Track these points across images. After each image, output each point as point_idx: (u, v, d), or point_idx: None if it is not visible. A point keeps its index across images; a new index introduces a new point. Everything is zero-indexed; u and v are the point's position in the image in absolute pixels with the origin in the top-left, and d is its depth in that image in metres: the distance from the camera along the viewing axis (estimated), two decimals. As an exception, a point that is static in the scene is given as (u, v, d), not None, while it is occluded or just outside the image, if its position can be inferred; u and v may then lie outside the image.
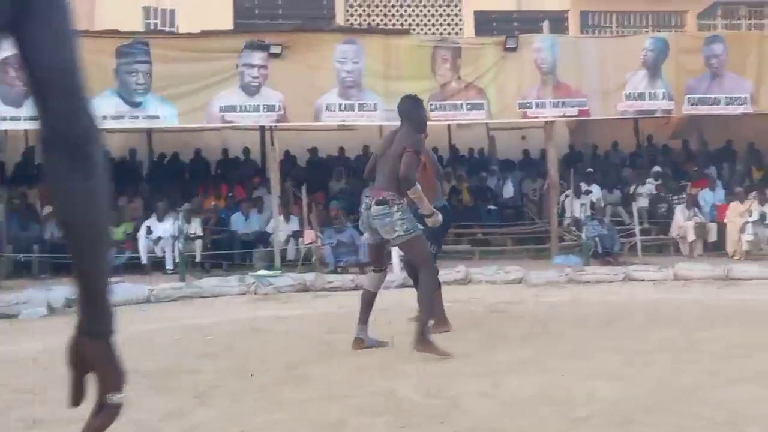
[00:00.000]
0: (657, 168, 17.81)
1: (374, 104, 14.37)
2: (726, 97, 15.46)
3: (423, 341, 6.09)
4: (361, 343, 6.58)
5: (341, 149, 18.58)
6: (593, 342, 6.75)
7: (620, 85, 15.23)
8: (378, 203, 6.32)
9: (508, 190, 17.74)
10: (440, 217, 6.62)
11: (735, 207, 15.13)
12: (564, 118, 16.19)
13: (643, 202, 16.60)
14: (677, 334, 7.02)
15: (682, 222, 15.32)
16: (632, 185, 17.12)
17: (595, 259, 13.94)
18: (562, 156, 18.66)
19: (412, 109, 6.67)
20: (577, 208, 15.46)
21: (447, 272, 11.91)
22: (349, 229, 13.66)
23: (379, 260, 6.71)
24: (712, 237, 15.30)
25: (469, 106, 14.87)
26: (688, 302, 9.28)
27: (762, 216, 14.72)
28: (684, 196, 16.08)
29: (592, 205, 15.94)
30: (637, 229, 14.54)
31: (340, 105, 14.36)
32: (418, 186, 6.44)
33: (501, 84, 14.92)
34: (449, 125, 18.32)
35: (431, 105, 14.46)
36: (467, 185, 17.38)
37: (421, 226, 6.47)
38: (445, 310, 7.41)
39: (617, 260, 14.00)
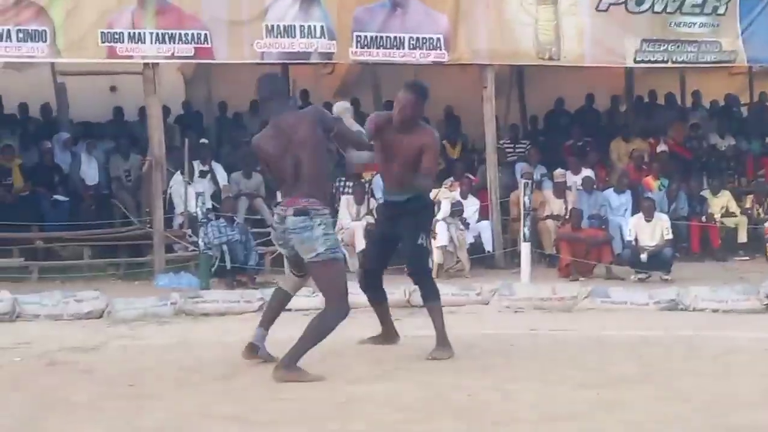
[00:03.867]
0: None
1: None
2: (411, 39, 16.39)
3: (290, 367, 7.63)
4: (253, 350, 8.24)
5: None
6: (201, 406, 6.87)
7: (259, 12, 15.68)
8: (297, 213, 7.72)
9: (91, 173, 17.56)
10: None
11: (420, 199, 16.01)
12: (174, 61, 16.29)
13: (293, 193, 17.14)
14: (327, 392, 7.32)
15: (347, 222, 16.01)
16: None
17: (219, 278, 14.27)
18: (173, 119, 18.82)
19: None
20: (192, 199, 15.60)
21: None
22: None
23: (302, 267, 8.14)
24: (393, 244, 16.14)
25: (21, 36, 14.63)
26: (351, 340, 9.67)
27: (457, 208, 15.80)
28: (350, 185, 16.82)
29: (217, 194, 16.20)
30: (282, 232, 14.96)
31: None
32: None
33: (73, 3, 14.74)
34: (-8, 65, 17.90)
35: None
36: (19, 162, 17.07)
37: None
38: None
39: (253, 280, 14.42)
